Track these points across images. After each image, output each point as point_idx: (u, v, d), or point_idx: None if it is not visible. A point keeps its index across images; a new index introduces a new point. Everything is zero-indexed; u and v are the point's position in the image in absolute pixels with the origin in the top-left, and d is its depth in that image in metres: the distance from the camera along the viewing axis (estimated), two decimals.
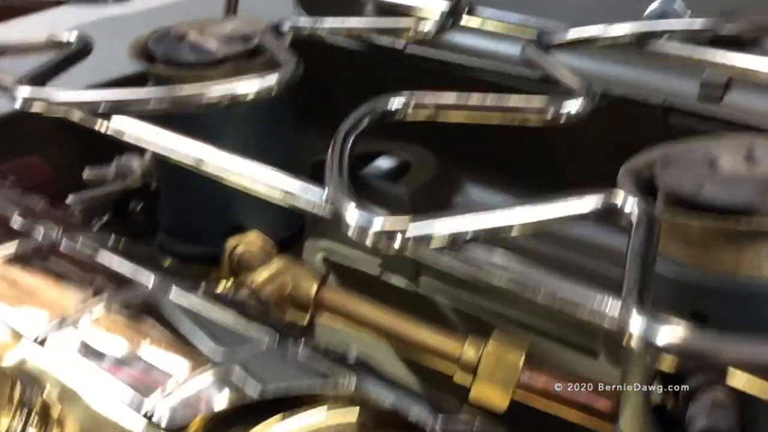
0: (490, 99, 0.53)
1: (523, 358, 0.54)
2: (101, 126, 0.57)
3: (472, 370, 0.55)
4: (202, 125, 0.66)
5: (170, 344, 0.50)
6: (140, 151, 0.74)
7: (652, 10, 0.73)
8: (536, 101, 0.53)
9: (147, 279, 0.55)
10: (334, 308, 0.58)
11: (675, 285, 0.44)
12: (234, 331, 0.52)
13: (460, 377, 0.56)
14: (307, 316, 0.58)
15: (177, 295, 0.53)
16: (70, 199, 0.75)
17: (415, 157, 0.84)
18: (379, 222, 0.44)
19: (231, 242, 0.66)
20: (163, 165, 0.70)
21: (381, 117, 0.53)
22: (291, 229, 0.73)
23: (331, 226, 0.46)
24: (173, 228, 0.72)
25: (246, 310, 0.54)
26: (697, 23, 0.65)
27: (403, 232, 0.43)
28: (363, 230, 0.44)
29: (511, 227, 0.44)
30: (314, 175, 0.49)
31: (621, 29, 0.64)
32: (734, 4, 0.65)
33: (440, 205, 0.81)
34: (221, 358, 0.48)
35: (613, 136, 0.69)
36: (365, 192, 0.85)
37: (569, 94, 0.55)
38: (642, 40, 0.64)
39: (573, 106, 0.53)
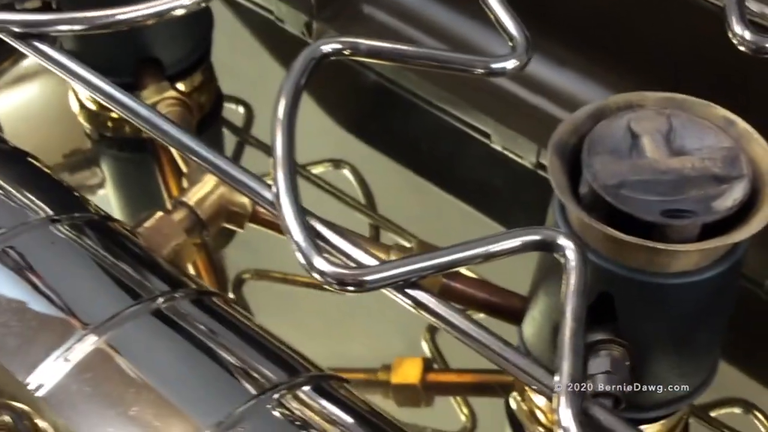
0: None
1: None
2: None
3: None
4: None
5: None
6: None
7: None
8: None
9: None
10: (268, 221, 0.60)
11: (590, 267, 0.47)
12: None
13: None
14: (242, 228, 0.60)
15: None
16: None
17: None
18: (331, 269, 0.45)
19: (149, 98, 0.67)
20: None
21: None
22: (200, 50, 0.74)
23: None
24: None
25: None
26: None
27: (356, 278, 0.45)
28: (311, 268, 0.45)
29: (456, 261, 0.46)
30: None
31: None
32: None
33: None
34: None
35: None
36: None
37: None
38: None
39: None
